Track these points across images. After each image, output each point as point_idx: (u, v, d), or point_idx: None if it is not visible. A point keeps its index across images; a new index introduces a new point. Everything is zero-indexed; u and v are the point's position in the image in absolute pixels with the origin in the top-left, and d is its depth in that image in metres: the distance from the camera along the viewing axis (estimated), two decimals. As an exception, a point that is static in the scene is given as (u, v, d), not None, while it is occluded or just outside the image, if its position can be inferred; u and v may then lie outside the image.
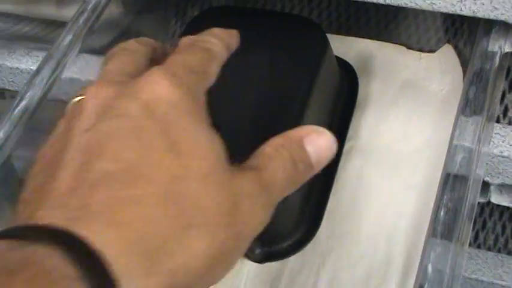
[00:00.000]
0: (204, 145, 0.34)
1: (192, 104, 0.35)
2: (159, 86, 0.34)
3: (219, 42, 0.39)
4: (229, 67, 0.42)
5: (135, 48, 0.40)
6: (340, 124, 0.53)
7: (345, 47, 0.59)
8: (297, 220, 0.47)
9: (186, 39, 0.39)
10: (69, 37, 0.55)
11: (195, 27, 0.50)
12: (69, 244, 0.29)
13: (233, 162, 0.35)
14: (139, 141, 0.33)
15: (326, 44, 0.50)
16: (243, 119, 0.44)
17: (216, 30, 0.40)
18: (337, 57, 0.54)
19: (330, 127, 0.50)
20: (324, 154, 0.37)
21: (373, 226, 0.50)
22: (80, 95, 0.37)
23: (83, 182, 0.32)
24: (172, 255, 0.31)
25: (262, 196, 0.35)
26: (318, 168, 0.37)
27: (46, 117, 0.54)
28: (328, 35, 0.52)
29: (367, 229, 0.50)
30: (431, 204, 0.46)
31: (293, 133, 0.37)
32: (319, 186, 0.44)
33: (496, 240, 0.72)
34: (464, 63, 0.57)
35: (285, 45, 0.49)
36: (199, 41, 0.39)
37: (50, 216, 0.31)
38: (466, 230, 0.44)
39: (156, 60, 0.40)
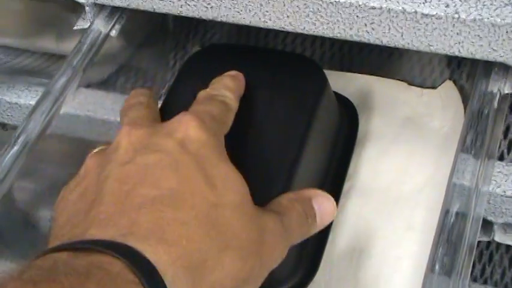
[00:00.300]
0: (233, 180, 0.38)
1: (216, 145, 0.40)
2: (190, 127, 0.39)
3: (232, 96, 0.45)
4: None
5: (148, 103, 0.45)
6: (339, 163, 0.52)
7: (345, 82, 0.58)
8: (294, 265, 0.46)
9: (204, 93, 0.44)
10: (67, 72, 0.54)
11: (195, 63, 0.51)
12: (127, 255, 0.33)
13: None
14: (178, 172, 0.37)
15: (324, 82, 0.50)
16: (240, 157, 0.44)
17: (228, 82, 0.46)
18: (337, 94, 0.53)
19: (329, 166, 0.50)
20: (327, 216, 0.43)
21: (372, 270, 0.49)
22: (99, 148, 0.42)
23: (130, 205, 0.36)
24: (212, 272, 0.35)
25: (283, 235, 0.40)
26: (320, 226, 0.42)
27: (46, 151, 0.53)
28: (328, 71, 0.51)
29: (366, 273, 0.49)
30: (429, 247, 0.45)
31: (304, 192, 0.43)
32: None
33: (503, 274, 0.70)
34: (466, 99, 0.56)
35: (283, 84, 0.49)
36: (216, 95, 0.44)
37: (103, 233, 0.34)
38: (466, 267, 0.43)
39: None
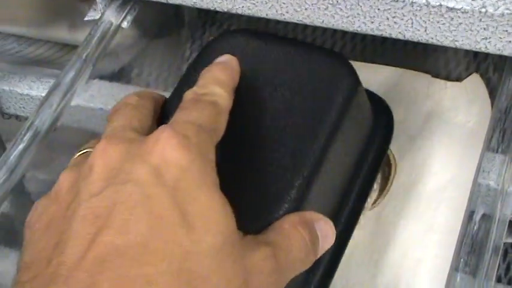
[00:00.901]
0: (216, 217, 0.33)
1: (202, 167, 0.34)
2: (168, 148, 0.33)
3: (223, 92, 0.39)
4: (240, 101, 0.40)
5: (138, 103, 0.40)
6: (368, 172, 0.46)
7: (367, 74, 0.56)
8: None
9: (190, 94, 0.38)
10: (77, 64, 0.53)
11: (209, 53, 0.45)
12: None
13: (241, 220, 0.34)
14: (150, 212, 0.32)
15: (355, 83, 0.43)
16: (241, 169, 0.39)
17: (218, 73, 0.40)
18: (371, 93, 0.47)
19: (353, 183, 0.45)
20: (327, 242, 0.38)
21: (390, 274, 0.47)
22: (85, 149, 0.39)
23: (92, 257, 0.31)
24: None
25: (275, 274, 0.35)
26: (320, 253, 0.38)
27: (59, 142, 0.53)
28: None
29: (384, 277, 0.47)
30: (454, 249, 0.44)
31: (306, 215, 0.38)
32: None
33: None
34: (493, 93, 0.54)
35: (304, 82, 0.42)
36: (204, 95, 0.38)
37: None
38: (492, 269, 0.42)
39: (158, 113, 0.41)
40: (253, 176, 0.39)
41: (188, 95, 0.39)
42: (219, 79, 0.39)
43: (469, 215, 0.43)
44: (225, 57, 0.42)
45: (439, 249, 0.47)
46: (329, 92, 0.42)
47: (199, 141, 0.35)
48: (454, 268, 0.42)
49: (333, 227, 0.39)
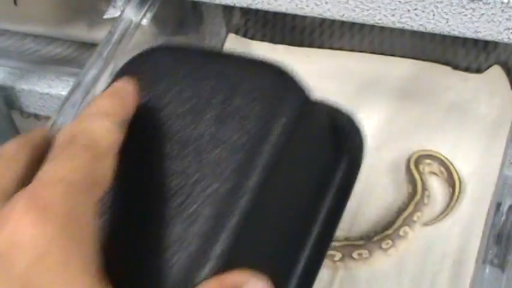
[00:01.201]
0: None
1: (68, 246, 0.26)
2: (21, 227, 0.25)
3: (107, 125, 0.29)
4: (147, 135, 0.33)
5: (12, 152, 0.30)
6: (330, 211, 0.35)
7: (387, 68, 0.56)
8: None
9: (63, 136, 0.29)
10: (98, 63, 0.53)
11: (125, 73, 0.35)
12: None
13: None
14: None
15: (303, 101, 0.33)
16: (159, 214, 0.31)
17: (104, 103, 0.31)
18: (336, 111, 0.37)
19: (314, 217, 0.35)
20: None
21: (415, 267, 0.47)
22: None
23: None
24: None
25: None
26: None
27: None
28: (367, 55, 0.48)
29: (409, 272, 0.47)
30: (477, 241, 0.44)
31: (229, 278, 0.28)
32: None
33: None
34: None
35: (239, 104, 0.33)
36: (79, 135, 0.29)
37: None
38: None
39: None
40: (160, 234, 0.30)
41: (60, 136, 0.29)
42: (104, 110, 0.30)
43: (496, 207, 0.43)
44: (119, 82, 0.32)
45: (462, 242, 0.47)
46: (267, 117, 0.32)
47: (67, 207, 0.26)
48: (482, 260, 0.41)
49: (270, 286, 0.29)
